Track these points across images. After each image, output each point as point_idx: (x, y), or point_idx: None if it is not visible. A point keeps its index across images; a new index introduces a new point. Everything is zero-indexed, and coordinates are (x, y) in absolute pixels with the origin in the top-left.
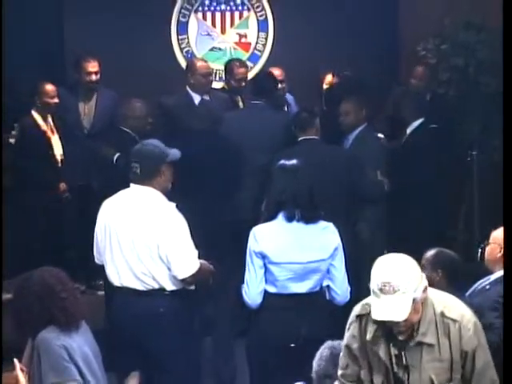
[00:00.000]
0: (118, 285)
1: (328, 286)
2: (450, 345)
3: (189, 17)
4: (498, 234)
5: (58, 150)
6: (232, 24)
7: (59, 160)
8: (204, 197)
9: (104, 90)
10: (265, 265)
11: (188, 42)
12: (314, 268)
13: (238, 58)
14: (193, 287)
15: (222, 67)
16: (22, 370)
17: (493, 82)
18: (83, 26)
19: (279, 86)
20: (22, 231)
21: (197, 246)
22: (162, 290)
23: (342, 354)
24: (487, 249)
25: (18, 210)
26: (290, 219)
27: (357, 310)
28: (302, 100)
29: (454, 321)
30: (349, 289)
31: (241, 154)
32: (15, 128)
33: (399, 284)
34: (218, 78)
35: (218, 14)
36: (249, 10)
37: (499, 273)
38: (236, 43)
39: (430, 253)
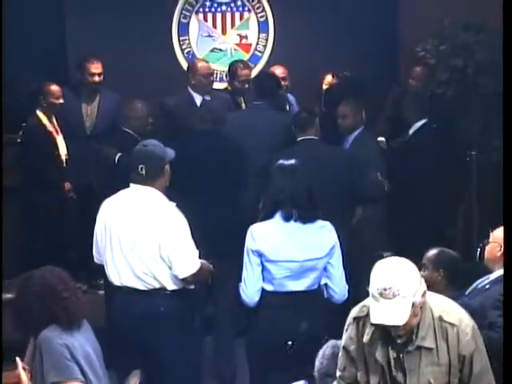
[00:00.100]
0: (119, 284)
1: (326, 285)
2: (448, 349)
3: (190, 18)
4: (498, 233)
5: (62, 150)
6: (233, 25)
7: (64, 160)
8: (205, 197)
9: (107, 92)
10: (262, 263)
11: (189, 43)
12: (311, 266)
13: (242, 59)
14: (192, 286)
15: (223, 68)
16: (24, 368)
17: (491, 83)
18: (84, 27)
19: (282, 83)
20: (25, 231)
21: (198, 246)
22: (162, 289)
23: (339, 355)
24: (487, 248)
25: (23, 210)
26: (287, 219)
27: (354, 311)
28: (302, 100)
29: (452, 325)
30: (346, 287)
31: (242, 154)
32: (23, 128)
33: (399, 289)
34: (218, 79)
35: (218, 15)
36: (249, 11)
37: (499, 272)
38: (237, 44)
39: (432, 252)
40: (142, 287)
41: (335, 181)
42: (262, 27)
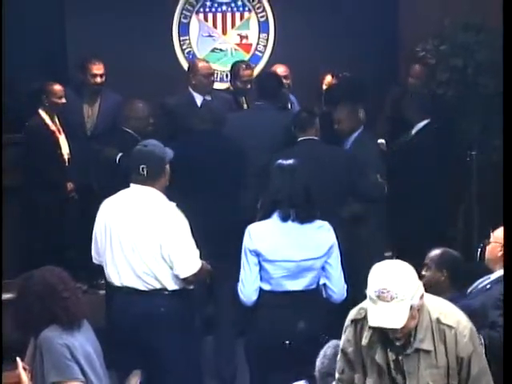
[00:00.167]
0: (119, 285)
1: (324, 284)
2: (446, 351)
3: (190, 18)
4: (499, 234)
5: (65, 150)
6: (233, 25)
7: (66, 159)
8: (205, 197)
9: (108, 93)
10: (259, 262)
11: (189, 43)
12: (309, 266)
13: (244, 59)
14: (192, 287)
15: (223, 68)
16: (24, 368)
17: (491, 83)
18: (84, 27)
19: (284, 82)
20: (26, 231)
21: (198, 246)
22: (162, 289)
23: (338, 358)
24: (488, 248)
25: (24, 210)
26: (284, 219)
27: (352, 314)
28: (302, 100)
29: (450, 327)
30: (345, 287)
31: (242, 154)
32: (25, 127)
33: (397, 291)
34: (218, 79)
35: (219, 15)
36: (250, 11)
37: (500, 272)
38: (237, 44)
39: (435, 252)
40: (142, 287)
41: (335, 181)
42: (263, 27)
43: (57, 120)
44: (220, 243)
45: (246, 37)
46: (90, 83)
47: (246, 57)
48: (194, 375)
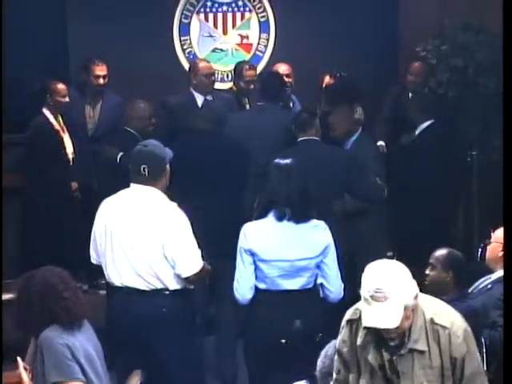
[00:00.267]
0: (119, 285)
1: (322, 284)
2: (440, 351)
3: (191, 18)
4: (499, 233)
5: (69, 149)
6: (234, 25)
7: (70, 159)
8: (207, 197)
9: (110, 94)
10: (254, 262)
11: (190, 43)
12: (304, 266)
13: (247, 60)
14: (192, 287)
15: (224, 68)
16: (25, 368)
17: (491, 83)
18: (85, 27)
19: (286, 81)
20: (28, 231)
21: (200, 246)
22: (163, 289)
23: (335, 358)
24: (489, 248)
25: (27, 210)
26: (280, 218)
27: (348, 314)
28: (303, 100)
29: (444, 327)
30: (342, 286)
31: (244, 155)
32: (30, 127)
33: (390, 291)
34: (219, 79)
35: (219, 15)
36: (250, 11)
37: (500, 272)
38: (238, 44)
39: (441, 252)
40: (143, 287)
41: (335, 181)
42: (263, 27)
43: (60, 119)
44: (221, 243)
45: (247, 37)
46: (93, 84)
47: (247, 57)
48: (195, 375)
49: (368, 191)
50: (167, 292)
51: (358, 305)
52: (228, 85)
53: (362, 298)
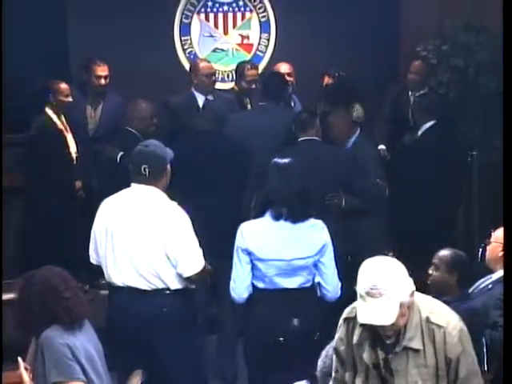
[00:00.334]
0: (120, 284)
1: (319, 283)
2: (435, 350)
3: (191, 18)
4: (499, 233)
5: (72, 149)
6: (234, 25)
7: (74, 158)
8: (208, 197)
9: (112, 95)
10: (251, 261)
11: (191, 43)
12: (301, 265)
13: (249, 60)
14: (193, 286)
15: (225, 68)
16: (25, 368)
17: (492, 83)
18: (86, 27)
19: (288, 79)
20: (30, 231)
21: (201, 246)
22: (165, 289)
23: (333, 357)
24: (489, 248)
25: (29, 210)
26: (277, 218)
27: (345, 312)
28: (303, 100)
29: (439, 326)
30: (339, 285)
31: (245, 155)
32: (33, 126)
33: (386, 288)
34: (220, 79)
35: (220, 15)
36: (251, 11)
37: (501, 272)
38: (238, 44)
39: (445, 253)
40: (144, 287)
41: (335, 181)
42: (264, 27)
43: (63, 119)
44: (221, 243)
45: (248, 37)
46: (95, 85)
47: (248, 57)
48: (196, 375)
49: (369, 191)
50: (168, 292)
51: (355, 303)
52: (228, 85)
53: (358, 295)
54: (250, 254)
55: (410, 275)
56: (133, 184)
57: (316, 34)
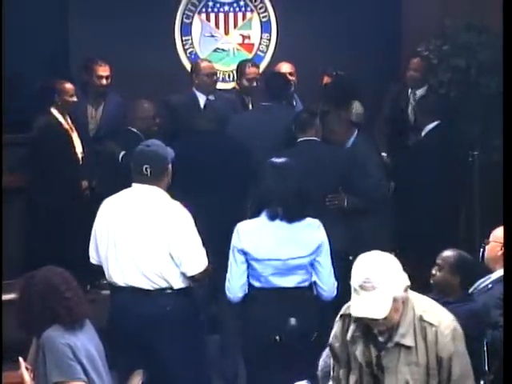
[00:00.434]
0: (122, 284)
1: (315, 282)
2: (427, 349)
3: (192, 18)
4: (498, 233)
5: (78, 148)
6: (235, 25)
7: (80, 158)
8: (209, 197)
9: (112, 95)
10: (247, 261)
11: (192, 43)
12: (297, 265)
13: (249, 58)
14: (192, 285)
15: (226, 68)
16: (26, 368)
17: (493, 83)
18: (87, 27)
19: (290, 79)
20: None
21: (202, 245)
22: (167, 288)
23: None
24: (487, 247)
25: (31, 210)
26: (272, 218)
27: (342, 309)
28: (304, 100)
29: (432, 325)
30: (335, 284)
31: (246, 155)
32: (39, 127)
33: (379, 281)
34: (221, 79)
35: (221, 16)
36: (252, 11)
37: (501, 271)
38: (239, 44)
39: (450, 254)
40: (147, 286)
41: (335, 181)
42: (265, 27)
43: (68, 119)
44: (223, 242)
45: (249, 37)
46: (96, 85)
47: (249, 57)
48: (198, 375)
49: (370, 190)
50: (171, 291)
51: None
52: (229, 85)
53: (352, 289)
54: (245, 253)
55: (412, 275)
56: (134, 184)
57: (317, 34)
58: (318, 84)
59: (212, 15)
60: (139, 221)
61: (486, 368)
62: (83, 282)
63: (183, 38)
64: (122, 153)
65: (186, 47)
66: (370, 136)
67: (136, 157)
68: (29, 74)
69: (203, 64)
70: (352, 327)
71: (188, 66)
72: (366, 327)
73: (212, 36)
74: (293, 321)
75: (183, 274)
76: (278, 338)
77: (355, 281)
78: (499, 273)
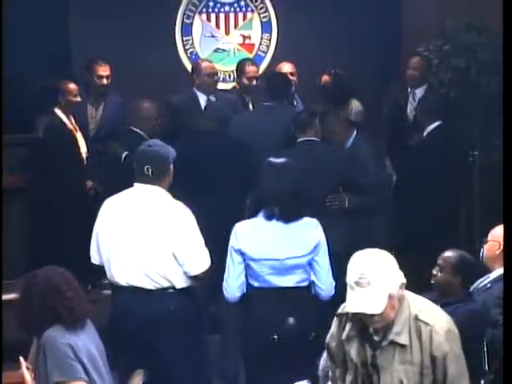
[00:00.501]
0: (124, 284)
1: (313, 282)
2: (421, 348)
3: (193, 18)
4: (496, 232)
5: (82, 148)
6: (236, 25)
7: (84, 158)
8: (210, 196)
9: (113, 95)
10: (245, 260)
11: (192, 44)
12: (295, 264)
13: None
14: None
15: (226, 68)
16: (27, 368)
17: (493, 83)
18: (87, 27)
19: (291, 79)
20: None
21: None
22: (169, 288)
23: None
24: (486, 246)
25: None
26: (269, 218)
27: (339, 308)
28: (304, 100)
29: (426, 324)
30: (333, 284)
31: (247, 155)
32: (43, 127)
33: (374, 277)
34: (221, 79)
35: (221, 16)
36: (252, 11)
37: (499, 270)
38: (240, 44)
39: (451, 255)
40: (150, 286)
41: (335, 181)
42: (265, 27)
43: (72, 119)
44: (224, 242)
45: (249, 37)
46: (96, 85)
47: (249, 57)
48: (199, 375)
49: (372, 190)
50: (173, 290)
51: None
52: (230, 85)
53: (348, 285)
54: (242, 254)
55: (412, 275)
56: (136, 184)
57: (317, 34)
58: (317, 83)
59: (213, 15)
60: (141, 221)
61: (486, 368)
62: (84, 281)
63: (184, 38)
64: (125, 153)
65: (187, 47)
66: (370, 136)
67: (138, 157)
68: (29, 74)
69: (204, 64)
70: (348, 326)
71: (189, 66)
72: (362, 326)
73: (212, 36)
74: (291, 320)
75: (186, 274)
76: (275, 337)
77: (350, 277)
78: (498, 272)
